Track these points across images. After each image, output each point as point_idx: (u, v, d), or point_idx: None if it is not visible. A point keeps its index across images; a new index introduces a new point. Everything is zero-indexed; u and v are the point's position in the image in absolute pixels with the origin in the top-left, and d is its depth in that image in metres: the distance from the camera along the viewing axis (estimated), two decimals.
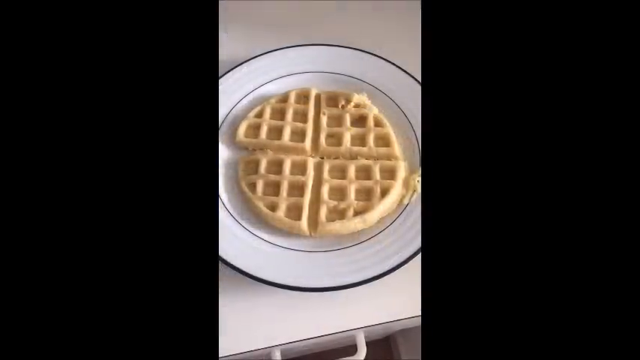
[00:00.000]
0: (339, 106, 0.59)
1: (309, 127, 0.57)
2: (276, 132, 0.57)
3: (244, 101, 0.60)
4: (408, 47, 0.60)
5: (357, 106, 0.58)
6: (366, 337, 0.56)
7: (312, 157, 0.56)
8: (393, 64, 0.61)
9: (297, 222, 0.51)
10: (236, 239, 0.51)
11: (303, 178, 0.54)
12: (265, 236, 0.52)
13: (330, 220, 0.51)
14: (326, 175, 0.54)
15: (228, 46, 0.64)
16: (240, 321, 0.49)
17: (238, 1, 0.69)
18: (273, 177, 0.54)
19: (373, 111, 0.58)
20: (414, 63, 0.56)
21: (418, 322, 0.53)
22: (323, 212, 0.52)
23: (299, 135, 0.57)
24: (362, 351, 0.57)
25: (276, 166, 0.55)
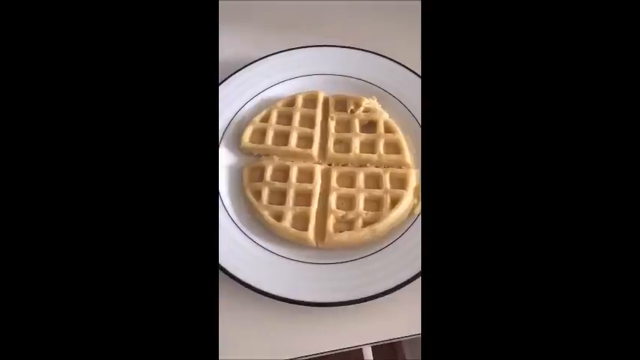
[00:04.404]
0: (348, 111, 0.57)
1: (317, 133, 0.55)
2: (283, 137, 0.55)
3: (249, 105, 0.58)
4: (414, 48, 0.57)
5: (366, 110, 0.56)
6: None
7: (320, 163, 0.54)
8: (404, 66, 0.59)
9: (304, 232, 0.49)
10: (239, 249, 0.49)
11: (310, 186, 0.52)
12: (270, 246, 0.50)
13: (337, 230, 0.50)
14: (334, 183, 0.52)
15: (230, 48, 0.61)
16: (242, 335, 0.47)
17: (239, 2, 0.67)
18: (279, 184, 0.52)
19: (383, 116, 0.56)
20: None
21: None
22: (330, 222, 0.50)
23: (306, 140, 0.55)
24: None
25: (283, 173, 0.53)
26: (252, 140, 0.55)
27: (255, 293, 0.47)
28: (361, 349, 0.54)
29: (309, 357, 0.48)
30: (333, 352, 0.48)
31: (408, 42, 0.60)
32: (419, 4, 0.59)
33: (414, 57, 0.58)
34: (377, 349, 0.61)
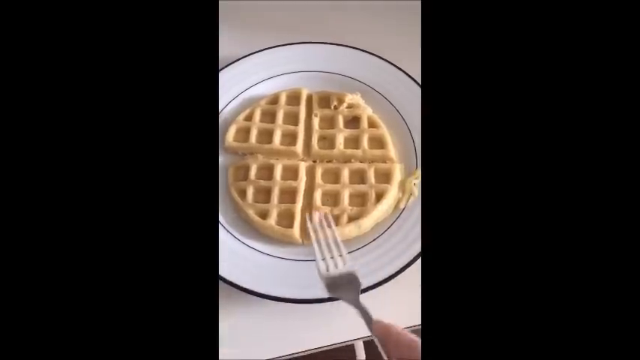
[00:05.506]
0: (332, 107, 0.56)
1: (301, 130, 0.55)
2: (267, 135, 0.55)
3: (233, 103, 0.58)
4: (406, 46, 0.57)
5: (350, 106, 0.56)
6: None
7: (304, 160, 0.54)
8: (387, 61, 0.59)
9: (289, 230, 0.49)
10: (226, 249, 0.49)
11: (294, 184, 0.52)
12: (256, 245, 0.50)
13: None
14: (319, 179, 0.52)
15: (223, 46, 0.61)
16: (230, 333, 0.47)
17: (236, 1, 0.67)
18: (263, 183, 0.52)
19: (367, 111, 0.56)
20: (411, 62, 0.54)
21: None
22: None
23: (290, 138, 0.55)
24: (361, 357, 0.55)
25: (267, 171, 0.53)
26: (236, 139, 0.55)
27: (242, 292, 0.47)
28: (353, 345, 0.54)
29: (300, 354, 0.48)
30: (324, 349, 0.48)
31: (396, 40, 0.61)
32: (409, 3, 0.59)
33: (400, 54, 0.58)
34: (370, 344, 0.61)
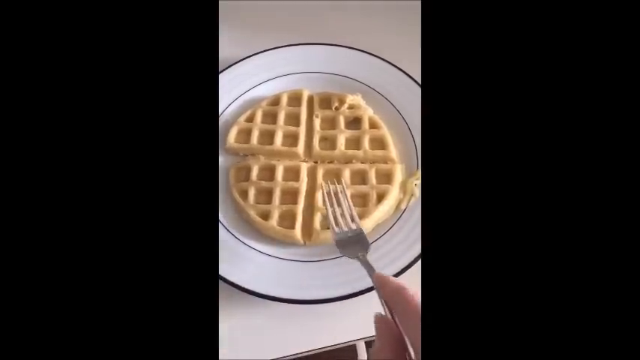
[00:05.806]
0: (333, 108, 0.57)
1: (302, 131, 0.55)
2: (268, 136, 0.55)
3: (234, 105, 0.58)
4: (406, 46, 0.57)
5: (351, 107, 0.56)
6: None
7: (306, 161, 0.54)
8: (388, 62, 0.59)
9: (291, 231, 0.49)
10: (227, 250, 0.49)
11: (296, 184, 0.52)
12: (258, 246, 0.50)
13: (324, 227, 0.50)
14: (320, 180, 0.52)
15: (223, 47, 0.61)
16: (232, 334, 0.48)
17: (235, 2, 0.67)
18: (265, 184, 0.52)
19: (368, 112, 0.56)
20: (411, 62, 0.54)
21: None
22: (317, 220, 0.50)
23: (292, 139, 0.55)
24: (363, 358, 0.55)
25: (269, 172, 0.53)
26: (237, 140, 0.55)
27: (243, 293, 0.47)
28: (355, 346, 0.54)
29: (301, 355, 0.48)
30: (326, 349, 0.48)
31: (396, 40, 0.61)
32: (409, 3, 0.59)
33: (400, 54, 0.58)
34: (371, 345, 0.61)
